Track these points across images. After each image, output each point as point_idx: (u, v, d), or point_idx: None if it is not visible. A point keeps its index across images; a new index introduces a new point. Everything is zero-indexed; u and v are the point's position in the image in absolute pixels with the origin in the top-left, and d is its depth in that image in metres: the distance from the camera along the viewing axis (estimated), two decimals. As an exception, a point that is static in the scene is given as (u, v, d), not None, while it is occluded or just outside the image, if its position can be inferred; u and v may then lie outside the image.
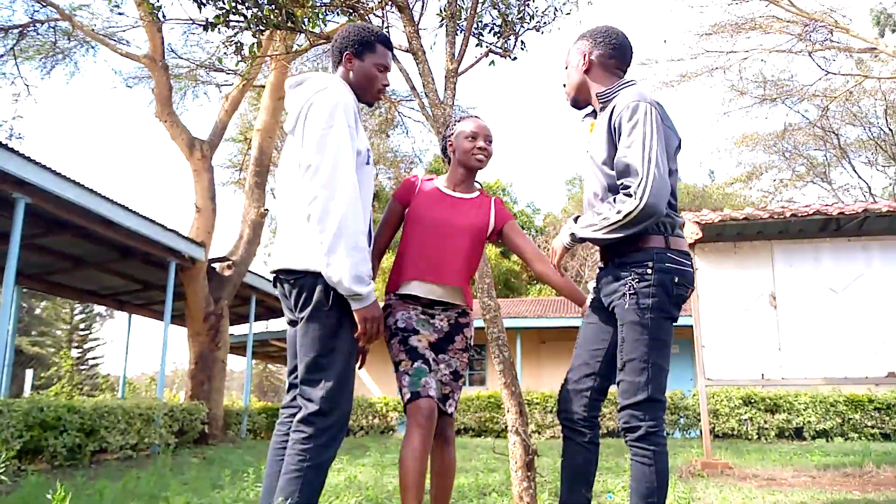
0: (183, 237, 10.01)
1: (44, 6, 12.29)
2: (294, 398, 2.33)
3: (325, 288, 2.15)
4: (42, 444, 6.48)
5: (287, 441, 2.22)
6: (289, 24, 4.37)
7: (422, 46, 4.15)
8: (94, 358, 33.12)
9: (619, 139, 2.19)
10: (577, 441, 2.41)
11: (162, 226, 9.35)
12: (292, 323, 2.30)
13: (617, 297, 2.27)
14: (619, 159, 2.16)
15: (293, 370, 2.32)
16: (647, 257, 2.22)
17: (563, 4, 4.97)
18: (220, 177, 21.13)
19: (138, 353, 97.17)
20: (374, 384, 16.57)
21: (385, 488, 4.55)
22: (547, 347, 16.65)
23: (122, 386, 13.39)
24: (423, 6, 4.59)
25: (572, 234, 2.31)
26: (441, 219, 2.63)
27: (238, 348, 16.45)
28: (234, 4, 4.42)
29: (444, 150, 2.86)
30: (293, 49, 8.50)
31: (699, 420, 11.55)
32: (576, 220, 2.37)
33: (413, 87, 4.17)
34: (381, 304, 2.42)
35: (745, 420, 12.10)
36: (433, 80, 4.04)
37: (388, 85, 2.48)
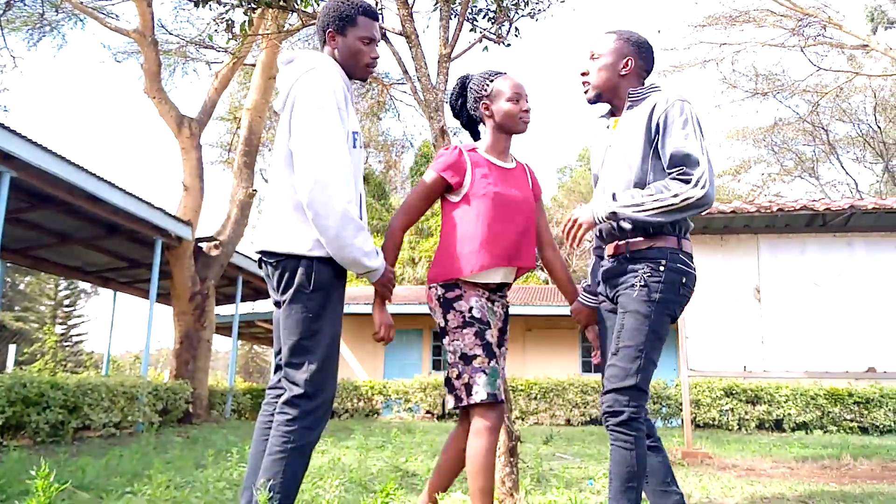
0: (170, 215, 9.93)
1: (31, -24, 12.10)
2: (280, 379, 2.33)
3: (307, 271, 2.14)
4: (24, 420, 6.45)
5: (272, 422, 2.22)
6: (280, 2, 4.33)
7: (415, 30, 4.11)
8: (78, 335, 32.91)
9: (662, 134, 2.28)
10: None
11: (148, 203, 9.26)
12: (278, 304, 2.29)
13: (625, 287, 2.31)
14: (676, 149, 2.23)
15: (279, 351, 2.31)
16: (660, 255, 2.29)
17: (559, -8, 4.96)
18: (209, 156, 20.96)
19: (123, 331, 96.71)
20: (360, 366, 16.56)
21: (368, 471, 4.57)
22: (532, 335, 16.72)
23: (107, 363, 13.31)
24: (417, -11, 4.55)
25: (613, 212, 2.27)
26: (508, 196, 2.45)
27: (224, 329, 16.39)
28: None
29: (468, 115, 2.65)
30: (285, 28, 8.41)
31: (681, 410, 11.67)
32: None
33: (405, 71, 4.13)
34: (437, 289, 2.44)
35: (727, 411, 12.25)
36: (426, 64, 4.02)
37: (377, 58, 2.37)
